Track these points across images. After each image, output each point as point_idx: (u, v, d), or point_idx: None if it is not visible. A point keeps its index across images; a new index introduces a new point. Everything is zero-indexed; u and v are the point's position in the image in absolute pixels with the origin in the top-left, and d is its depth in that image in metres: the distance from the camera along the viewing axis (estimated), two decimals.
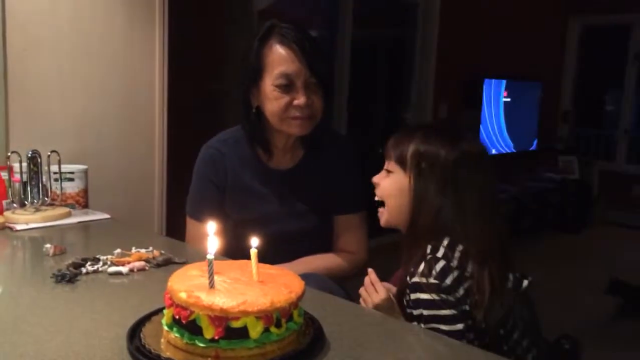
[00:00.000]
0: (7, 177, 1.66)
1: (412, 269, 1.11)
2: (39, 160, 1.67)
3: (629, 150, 6.07)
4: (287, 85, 1.41)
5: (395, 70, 4.94)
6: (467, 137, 1.19)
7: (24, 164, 1.65)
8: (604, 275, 3.66)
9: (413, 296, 1.09)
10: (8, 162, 1.66)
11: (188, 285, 0.85)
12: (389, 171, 1.20)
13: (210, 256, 0.84)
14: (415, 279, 1.09)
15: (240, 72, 1.50)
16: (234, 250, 1.41)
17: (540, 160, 5.82)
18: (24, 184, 1.66)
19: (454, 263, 1.08)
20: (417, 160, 1.15)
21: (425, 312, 1.06)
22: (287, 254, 1.38)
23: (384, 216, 1.22)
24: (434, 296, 1.06)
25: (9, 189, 1.66)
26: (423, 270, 1.09)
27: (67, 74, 1.99)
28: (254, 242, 0.91)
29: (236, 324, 0.81)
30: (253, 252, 0.90)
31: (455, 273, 1.07)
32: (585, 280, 4.08)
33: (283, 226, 1.48)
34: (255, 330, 0.82)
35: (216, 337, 0.81)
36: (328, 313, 1.03)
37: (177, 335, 0.84)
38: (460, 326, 1.04)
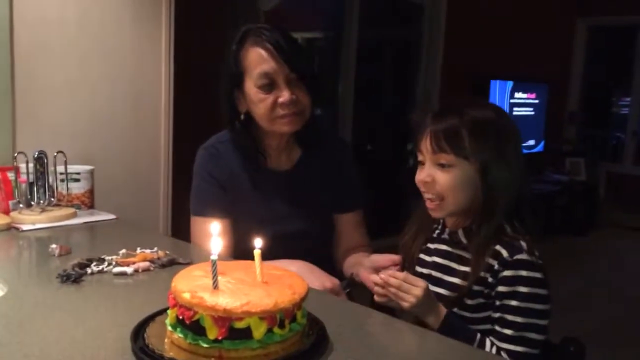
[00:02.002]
0: (13, 178, 1.67)
1: (498, 250, 1.09)
2: (45, 160, 1.67)
3: (637, 151, 6.02)
4: (269, 85, 1.41)
5: (401, 72, 4.93)
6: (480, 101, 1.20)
7: (31, 165, 1.65)
8: (611, 277, 3.64)
9: (517, 272, 1.06)
10: (15, 163, 1.67)
11: (192, 285, 0.85)
12: (443, 165, 1.13)
13: (214, 257, 0.84)
14: (523, 256, 1.07)
15: (222, 80, 1.49)
16: (236, 251, 1.41)
17: (547, 161, 5.79)
18: (31, 185, 1.67)
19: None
20: (480, 141, 1.11)
21: (524, 290, 1.05)
22: (286, 255, 1.37)
23: (445, 209, 1.16)
24: (541, 275, 1.07)
25: (16, 190, 1.67)
26: (527, 249, 1.08)
27: (74, 76, 2.00)
28: (258, 242, 0.91)
29: (240, 325, 0.81)
30: (257, 252, 0.90)
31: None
32: (592, 283, 4.06)
33: (283, 227, 1.47)
34: (258, 331, 0.82)
35: (220, 338, 0.81)
36: (332, 314, 1.03)
37: (180, 335, 0.84)
38: (546, 306, 1.07)
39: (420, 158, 1.18)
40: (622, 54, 6.09)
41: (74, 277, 1.17)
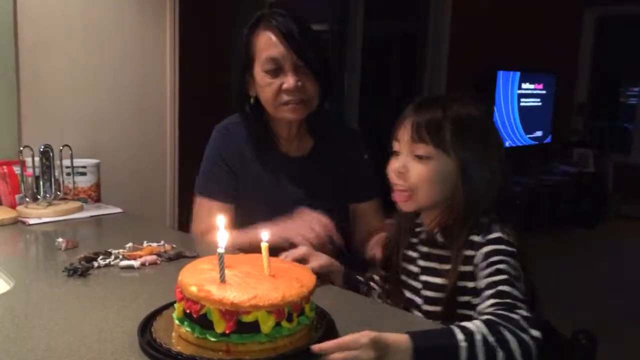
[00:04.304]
0: (19, 172, 1.67)
1: (472, 239, 1.05)
2: (51, 154, 1.67)
3: None
4: (275, 70, 1.40)
5: (407, 63, 4.90)
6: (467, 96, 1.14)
7: (37, 159, 1.65)
8: (619, 269, 3.62)
9: (490, 247, 1.02)
10: (21, 157, 1.66)
11: (199, 279, 0.84)
12: (420, 157, 1.08)
13: (221, 250, 0.83)
14: (498, 234, 1.03)
15: (233, 64, 1.49)
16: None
17: (555, 153, 5.76)
18: (37, 179, 1.67)
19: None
20: (462, 137, 1.06)
21: (496, 258, 1.00)
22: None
23: (415, 203, 1.10)
24: (513, 249, 1.02)
25: (22, 184, 1.67)
26: (499, 230, 1.04)
27: (79, 69, 1.99)
28: (265, 236, 0.90)
29: (247, 319, 0.80)
30: (264, 245, 0.90)
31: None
32: (601, 275, 4.04)
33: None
34: (266, 325, 0.81)
35: (227, 332, 0.80)
36: (340, 307, 1.02)
37: (188, 329, 0.84)
38: (523, 274, 1.01)
39: (396, 148, 1.12)
40: (631, 44, 6.03)
41: (80, 271, 1.16)
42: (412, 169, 1.09)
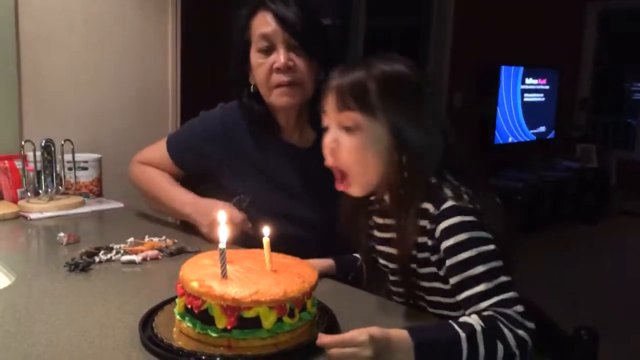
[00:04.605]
0: (21, 166, 1.67)
1: (424, 207, 0.96)
2: (52, 149, 1.67)
3: None
4: (267, 49, 1.35)
5: (410, 58, 4.88)
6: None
7: (38, 153, 1.65)
8: (621, 266, 3.61)
9: (449, 222, 0.92)
10: (22, 151, 1.66)
11: (200, 274, 0.84)
12: (349, 128, 0.98)
13: (222, 245, 0.83)
14: (451, 203, 0.93)
15: (231, 51, 1.43)
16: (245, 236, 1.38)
17: (558, 148, 5.74)
18: (38, 173, 1.66)
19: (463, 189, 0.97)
20: (391, 98, 0.96)
21: (465, 236, 0.91)
22: (292, 244, 1.27)
23: (358, 185, 1.01)
24: (474, 217, 0.93)
25: (23, 178, 1.67)
26: (452, 196, 0.94)
27: (80, 63, 1.99)
28: (266, 231, 0.90)
29: (249, 314, 0.80)
30: (265, 240, 0.89)
31: (474, 200, 0.96)
32: (603, 271, 4.03)
33: (293, 209, 1.41)
34: (268, 320, 0.81)
35: (229, 327, 0.80)
36: (342, 303, 1.02)
37: (189, 324, 0.83)
38: (493, 247, 0.91)
39: (325, 122, 1.02)
40: (634, 39, 6.00)
41: (82, 266, 1.16)
42: (343, 142, 0.99)
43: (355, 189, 1.03)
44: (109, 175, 1.87)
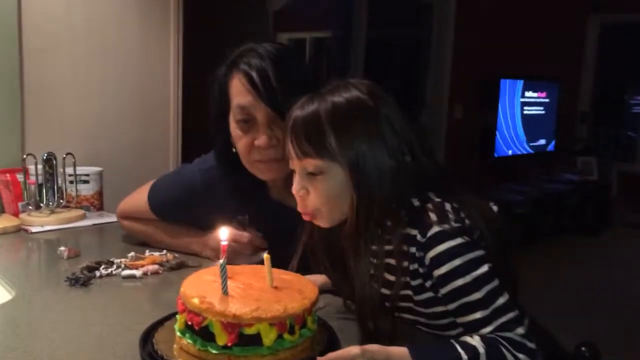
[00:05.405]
0: (22, 179, 1.67)
1: (409, 232, 0.93)
2: (54, 162, 1.67)
3: None
4: (246, 121, 1.19)
5: (409, 71, 4.91)
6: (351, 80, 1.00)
7: (40, 166, 1.65)
8: (622, 278, 3.60)
9: (437, 250, 0.90)
10: (24, 164, 1.67)
11: (201, 290, 0.84)
12: (312, 174, 0.96)
13: (223, 261, 0.83)
14: (437, 228, 0.91)
15: (211, 107, 1.29)
16: None
17: (558, 161, 5.75)
18: (40, 186, 1.67)
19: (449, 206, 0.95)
20: (344, 134, 0.93)
21: (458, 262, 0.89)
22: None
23: (326, 220, 0.99)
24: (465, 238, 0.90)
25: (25, 191, 1.67)
26: (437, 220, 0.91)
27: (83, 76, 2.00)
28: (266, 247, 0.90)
29: (249, 331, 0.80)
30: (266, 257, 0.89)
31: (461, 214, 0.94)
32: (604, 284, 4.01)
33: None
34: (268, 337, 0.81)
35: (229, 344, 0.80)
36: (342, 320, 1.01)
37: (189, 341, 0.83)
38: (487, 267, 0.90)
39: (290, 165, 1.00)
40: (635, 52, 6.03)
41: (82, 281, 1.16)
42: (310, 190, 0.97)
43: (325, 224, 1.01)
44: (110, 189, 1.87)
